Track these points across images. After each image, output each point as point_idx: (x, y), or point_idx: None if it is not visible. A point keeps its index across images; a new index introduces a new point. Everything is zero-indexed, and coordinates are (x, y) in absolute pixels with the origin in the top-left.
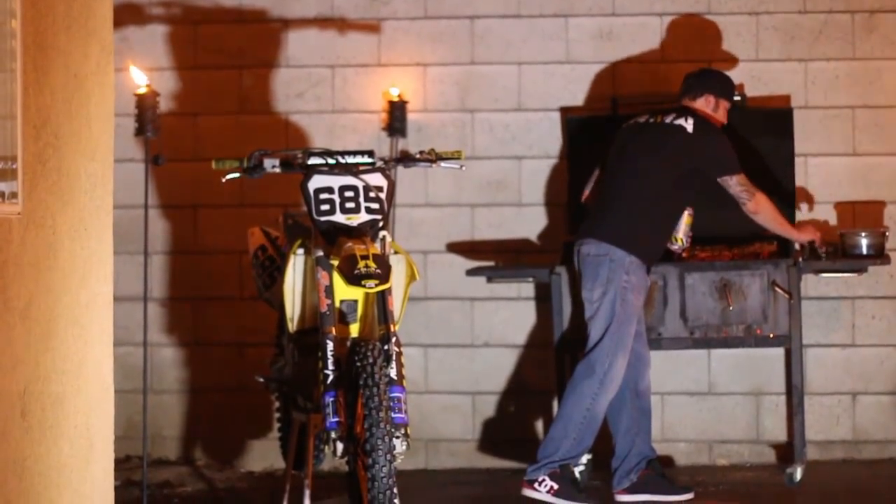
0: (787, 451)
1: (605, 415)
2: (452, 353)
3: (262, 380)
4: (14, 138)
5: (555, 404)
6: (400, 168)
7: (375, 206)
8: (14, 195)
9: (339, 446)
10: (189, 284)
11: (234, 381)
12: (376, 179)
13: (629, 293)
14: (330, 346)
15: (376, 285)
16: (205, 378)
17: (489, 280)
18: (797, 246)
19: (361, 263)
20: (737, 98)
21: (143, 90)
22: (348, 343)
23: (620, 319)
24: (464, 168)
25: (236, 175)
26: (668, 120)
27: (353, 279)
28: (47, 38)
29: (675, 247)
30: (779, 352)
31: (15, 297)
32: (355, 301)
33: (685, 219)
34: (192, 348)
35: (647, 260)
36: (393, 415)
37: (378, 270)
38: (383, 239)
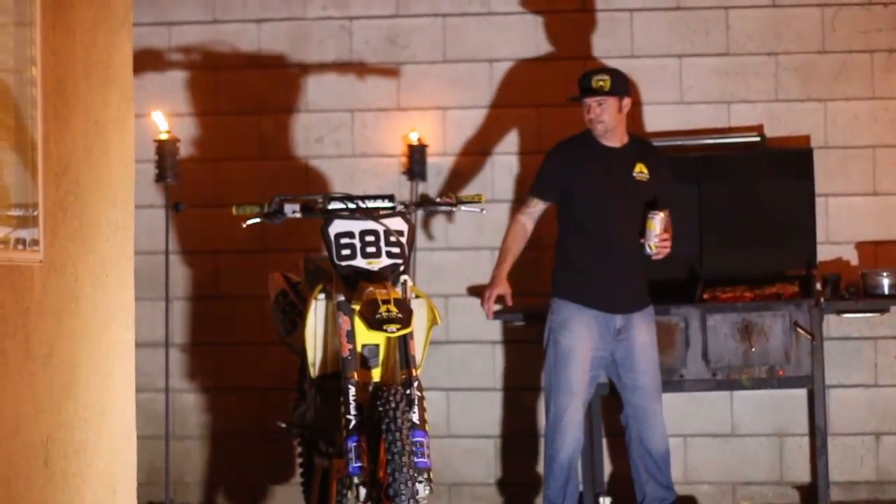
0: (810, 493)
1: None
2: (475, 396)
3: (283, 425)
4: (35, 186)
5: None
6: (420, 212)
7: (396, 250)
8: (35, 242)
9: (363, 491)
10: (210, 330)
11: (255, 426)
12: (397, 224)
13: (558, 334)
14: (352, 391)
15: (398, 330)
16: (227, 423)
17: (507, 323)
18: (818, 286)
19: (383, 308)
20: (756, 138)
21: (163, 136)
22: (370, 388)
23: (552, 362)
24: (484, 212)
25: (257, 220)
26: None
27: (375, 324)
28: (67, 85)
29: (649, 253)
30: (801, 392)
31: (37, 345)
32: (377, 346)
33: (648, 224)
34: (213, 394)
35: (581, 297)
36: (416, 459)
37: (400, 315)
38: (404, 283)
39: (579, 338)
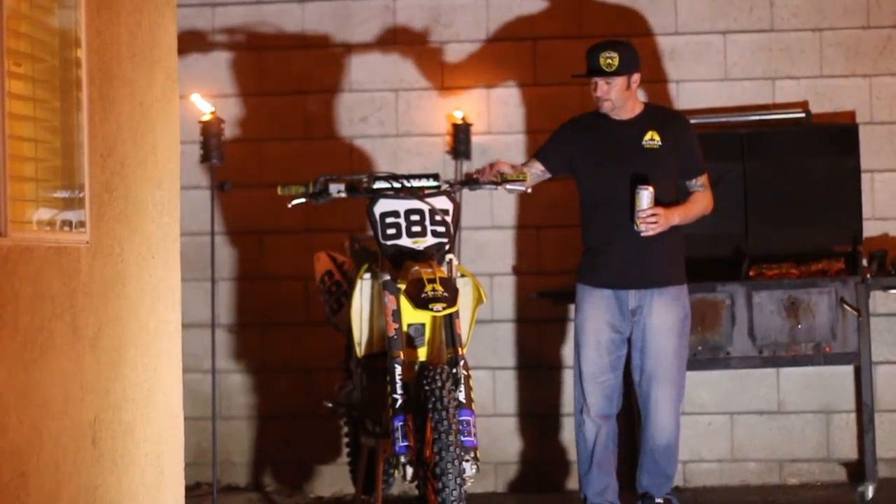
0: (858, 469)
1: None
2: (521, 375)
3: (330, 405)
4: (81, 167)
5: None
6: (465, 190)
7: (441, 229)
8: (81, 224)
9: (409, 470)
10: (256, 310)
11: (302, 406)
12: (442, 203)
13: (575, 318)
14: (398, 370)
15: (444, 308)
16: (273, 404)
17: (556, 302)
18: (864, 262)
19: (429, 287)
20: (801, 114)
21: (207, 117)
22: (416, 367)
23: (576, 346)
24: (529, 190)
25: (302, 200)
26: None
27: (421, 303)
28: (112, 67)
29: (637, 230)
30: (848, 369)
31: (84, 326)
32: (422, 325)
33: (635, 199)
34: (259, 374)
35: (593, 278)
36: (462, 438)
37: (445, 294)
38: (450, 262)
39: (592, 319)
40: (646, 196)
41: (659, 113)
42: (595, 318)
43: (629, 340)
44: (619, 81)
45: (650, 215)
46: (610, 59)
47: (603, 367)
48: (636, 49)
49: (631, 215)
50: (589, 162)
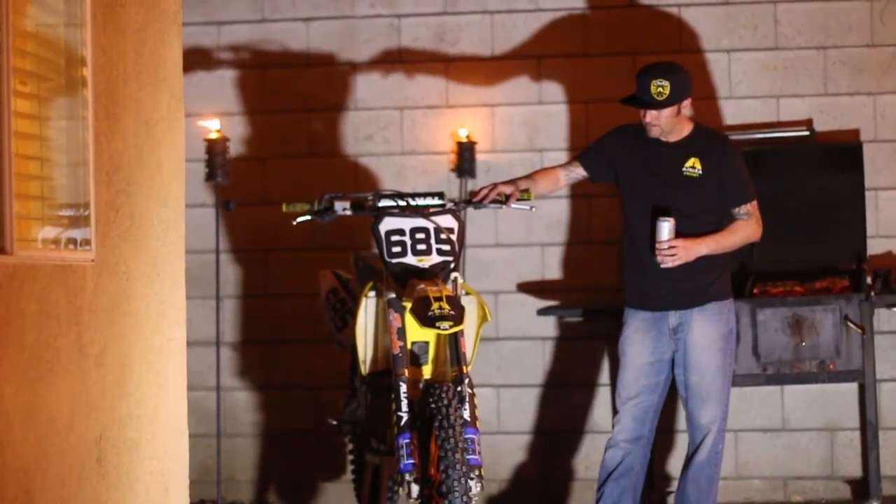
0: (862, 487)
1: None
2: (525, 393)
3: (335, 422)
4: (87, 185)
5: None
6: (470, 209)
7: (447, 247)
8: (87, 242)
9: (414, 488)
10: (261, 328)
11: (306, 423)
12: (447, 221)
13: (620, 340)
14: (403, 387)
15: (450, 327)
16: (277, 421)
17: (560, 319)
18: (869, 280)
19: (435, 305)
20: (805, 132)
21: (213, 135)
22: (421, 385)
23: (619, 368)
24: (534, 209)
25: (307, 218)
26: None
27: (427, 321)
28: (118, 85)
29: (657, 261)
30: (852, 387)
31: (90, 344)
32: (427, 343)
33: (655, 230)
34: (264, 392)
35: (634, 299)
36: (467, 456)
37: (452, 312)
38: (455, 280)
39: (632, 342)
40: (665, 228)
41: (705, 137)
42: (635, 340)
43: (673, 360)
44: (670, 109)
45: (668, 248)
46: (661, 87)
47: (639, 390)
48: (688, 75)
49: (652, 246)
50: (630, 179)
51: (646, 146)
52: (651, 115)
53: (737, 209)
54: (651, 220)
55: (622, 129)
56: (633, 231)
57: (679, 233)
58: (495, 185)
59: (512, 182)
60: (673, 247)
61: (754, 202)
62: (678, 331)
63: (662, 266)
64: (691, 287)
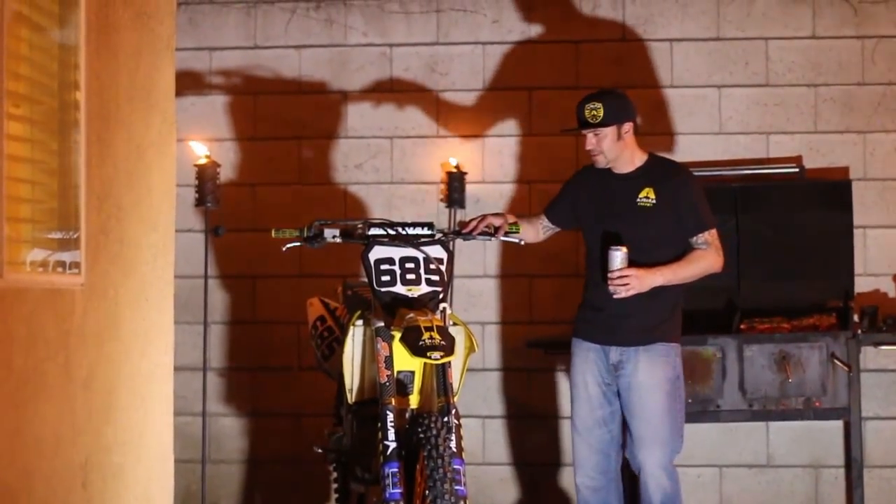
0: None
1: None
2: (511, 424)
3: (320, 450)
4: (77, 209)
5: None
6: (459, 240)
7: (436, 277)
8: (75, 265)
9: None
10: (248, 354)
11: (292, 451)
12: (437, 251)
13: (570, 373)
14: (390, 417)
15: (441, 357)
16: (263, 448)
17: (547, 352)
18: (856, 318)
19: (426, 335)
20: (795, 169)
21: (203, 161)
22: (407, 414)
23: (571, 401)
24: (523, 242)
25: (297, 244)
26: None
27: (418, 350)
28: (110, 110)
29: (612, 292)
30: (838, 424)
31: (77, 368)
32: (412, 372)
33: (608, 263)
34: (250, 418)
35: (583, 330)
36: (455, 487)
37: (443, 342)
38: (443, 311)
39: (580, 373)
40: (617, 257)
41: (659, 166)
42: (583, 371)
43: (619, 394)
44: (608, 133)
45: (618, 277)
46: (594, 110)
47: (595, 421)
48: (627, 98)
49: (604, 276)
50: (588, 218)
51: (602, 181)
52: (590, 142)
53: (694, 238)
54: (603, 250)
55: (582, 171)
56: (594, 267)
57: (635, 264)
58: (484, 217)
59: (501, 214)
60: (623, 276)
61: (713, 231)
62: (619, 367)
63: (616, 296)
64: (636, 324)
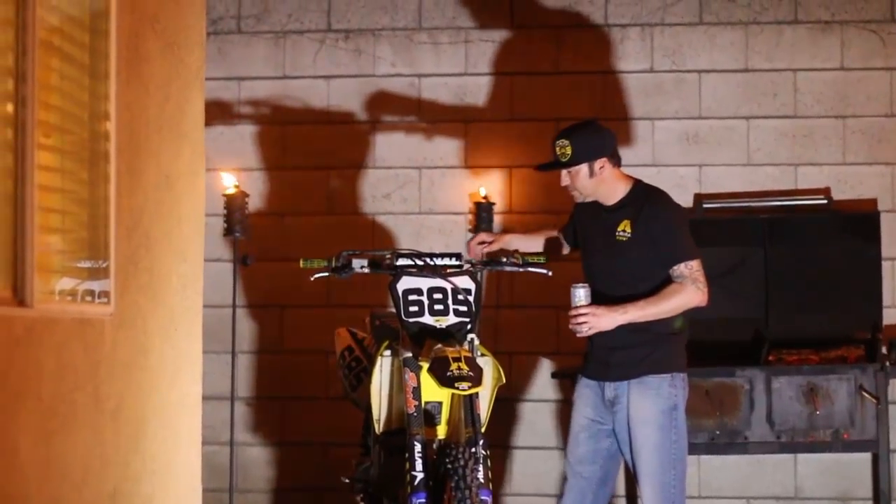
0: None
1: None
2: (537, 455)
3: (347, 480)
4: (106, 239)
5: None
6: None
7: (464, 308)
8: (103, 294)
9: None
10: (275, 384)
11: (318, 481)
12: (464, 282)
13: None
14: (418, 447)
15: (469, 388)
16: (290, 478)
17: (573, 382)
18: (884, 350)
19: (454, 366)
20: (823, 201)
21: (231, 191)
22: (434, 445)
23: None
24: (550, 273)
25: (325, 274)
26: None
27: (446, 381)
28: (140, 140)
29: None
30: (866, 456)
31: (106, 398)
32: (440, 403)
33: (571, 301)
34: (277, 448)
35: (583, 366)
36: None
37: (471, 373)
38: (471, 341)
39: (577, 409)
40: (577, 295)
41: (640, 197)
42: (578, 407)
43: (615, 433)
44: (580, 171)
45: (574, 315)
46: (563, 147)
47: (581, 457)
48: (602, 132)
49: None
50: (582, 247)
51: (594, 212)
52: (564, 180)
53: (672, 269)
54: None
55: (579, 203)
56: (593, 297)
57: (612, 299)
58: (477, 234)
59: (496, 234)
60: (581, 314)
61: (692, 264)
62: (614, 403)
63: (578, 336)
64: (623, 358)
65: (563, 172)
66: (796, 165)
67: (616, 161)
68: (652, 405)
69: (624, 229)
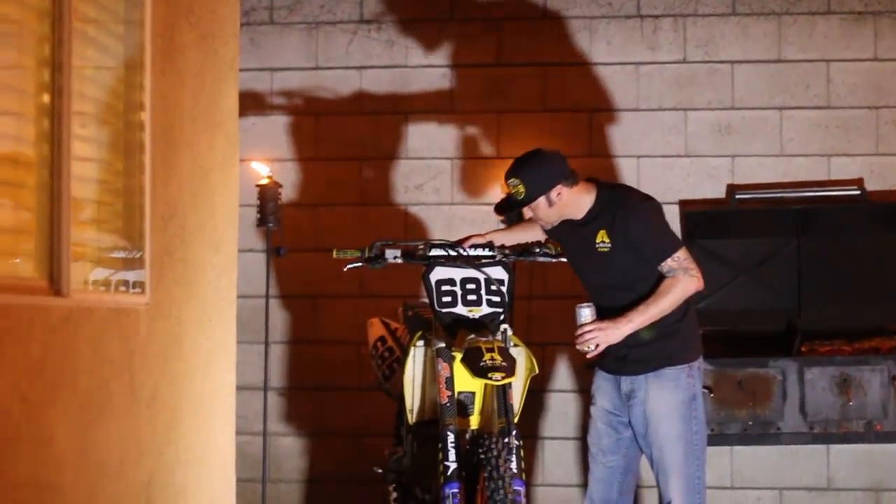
0: None
1: None
2: (569, 445)
3: (380, 471)
4: (141, 229)
5: None
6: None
7: (497, 299)
8: (139, 284)
9: None
10: (308, 374)
11: (351, 471)
12: (498, 272)
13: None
14: (451, 437)
15: (502, 378)
16: (322, 468)
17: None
18: None
19: (487, 356)
20: (856, 191)
21: (265, 181)
22: (467, 435)
23: None
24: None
25: (358, 265)
26: None
27: (479, 371)
28: (175, 130)
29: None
30: None
31: (141, 388)
32: (473, 393)
33: (577, 321)
34: (310, 438)
35: (599, 362)
36: None
37: (504, 363)
38: (504, 332)
39: (596, 402)
40: (581, 314)
41: (608, 205)
42: (597, 399)
43: (631, 425)
44: (538, 205)
45: (580, 335)
46: (516, 187)
47: (604, 448)
48: (549, 160)
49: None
50: (568, 255)
51: (570, 228)
52: (527, 214)
53: (661, 265)
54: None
55: None
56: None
57: (613, 310)
58: (469, 237)
59: (485, 233)
60: (587, 332)
61: (678, 254)
62: (631, 397)
63: (589, 356)
64: (639, 355)
65: (525, 209)
66: (829, 156)
67: (572, 181)
68: (672, 397)
69: (602, 240)
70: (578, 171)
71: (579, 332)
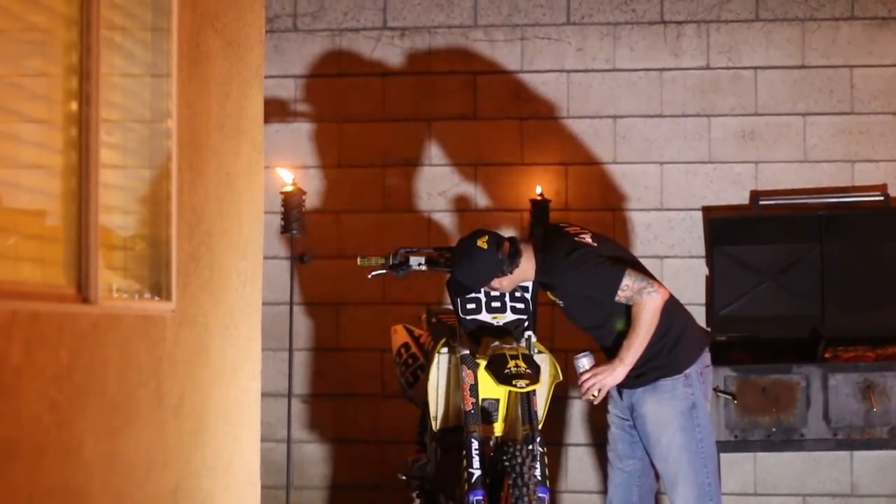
0: None
1: None
2: (592, 452)
3: (403, 478)
4: (168, 236)
5: None
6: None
7: (521, 306)
8: (165, 291)
9: None
10: (331, 381)
11: (375, 478)
12: None
13: None
14: (475, 444)
15: (527, 385)
16: (346, 475)
17: None
18: None
19: (511, 363)
20: (880, 197)
21: (289, 188)
22: (492, 442)
23: None
24: None
25: (382, 272)
26: None
27: (504, 379)
28: (201, 137)
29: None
30: None
31: (168, 394)
32: (497, 400)
33: (577, 372)
34: (333, 445)
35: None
36: None
37: (528, 370)
38: (528, 339)
39: (609, 409)
40: (579, 365)
41: (545, 267)
42: (609, 406)
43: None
44: (491, 284)
45: (582, 384)
46: (465, 279)
47: (620, 453)
48: (481, 257)
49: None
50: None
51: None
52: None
53: (616, 300)
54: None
55: None
56: None
57: (609, 347)
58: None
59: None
60: (587, 381)
61: (624, 282)
62: (633, 409)
63: (595, 403)
64: (634, 372)
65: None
66: (853, 162)
67: (509, 266)
68: (670, 409)
69: (556, 299)
70: (604, 176)
71: (580, 382)
